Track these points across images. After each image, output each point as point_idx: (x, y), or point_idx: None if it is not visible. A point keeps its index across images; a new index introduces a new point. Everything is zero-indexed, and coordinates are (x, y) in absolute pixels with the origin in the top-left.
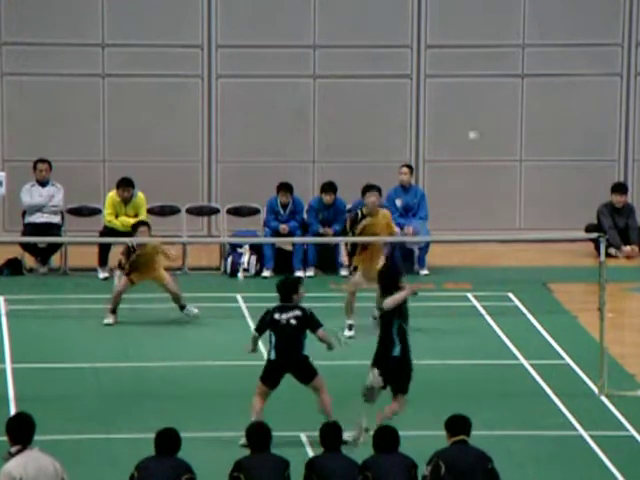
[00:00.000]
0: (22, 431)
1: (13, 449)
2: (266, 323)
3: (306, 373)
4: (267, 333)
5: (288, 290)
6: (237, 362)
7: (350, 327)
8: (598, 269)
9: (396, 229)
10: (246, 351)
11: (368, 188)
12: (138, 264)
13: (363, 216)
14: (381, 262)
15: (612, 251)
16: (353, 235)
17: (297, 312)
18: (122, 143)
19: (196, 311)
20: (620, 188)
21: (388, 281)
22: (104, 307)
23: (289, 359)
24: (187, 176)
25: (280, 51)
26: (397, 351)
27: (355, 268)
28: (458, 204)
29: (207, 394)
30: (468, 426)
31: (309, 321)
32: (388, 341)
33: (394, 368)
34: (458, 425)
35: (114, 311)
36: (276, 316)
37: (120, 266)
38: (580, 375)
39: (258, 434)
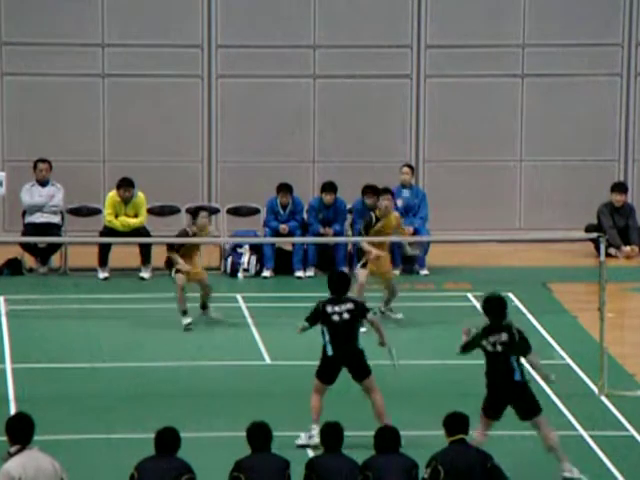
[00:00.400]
0: (21, 431)
1: (12, 449)
2: (319, 315)
3: (361, 369)
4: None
5: (340, 284)
6: (237, 362)
7: None
8: (598, 269)
9: (406, 230)
10: (298, 331)
11: (382, 192)
12: (185, 255)
13: (377, 219)
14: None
15: (612, 251)
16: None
17: (349, 305)
18: (122, 143)
19: (221, 317)
20: (620, 188)
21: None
22: (104, 307)
23: (346, 353)
24: (187, 176)
25: (280, 51)
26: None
27: (365, 264)
28: (458, 204)
29: (207, 394)
30: (466, 424)
31: (362, 312)
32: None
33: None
34: (456, 424)
35: (185, 312)
36: (328, 309)
37: (168, 265)
38: (580, 375)
39: (258, 434)
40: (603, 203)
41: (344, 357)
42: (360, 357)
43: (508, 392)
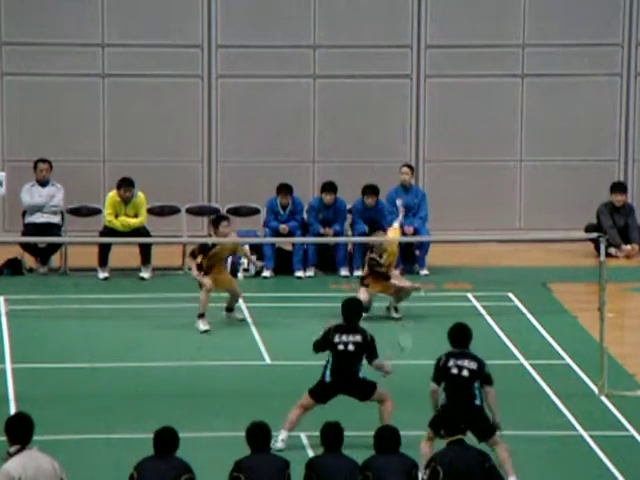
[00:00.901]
0: (21, 431)
1: (12, 449)
2: (326, 343)
3: (363, 392)
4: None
5: (352, 312)
6: (237, 362)
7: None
8: (598, 269)
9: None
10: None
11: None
12: (214, 263)
13: (380, 256)
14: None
15: (612, 251)
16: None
17: (357, 337)
18: (122, 143)
19: (241, 317)
20: (619, 187)
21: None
22: (104, 307)
23: (344, 382)
24: (187, 176)
25: (280, 51)
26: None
27: (365, 284)
28: (458, 204)
29: (207, 394)
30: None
31: (368, 349)
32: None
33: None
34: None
35: (203, 315)
36: (336, 338)
37: (198, 267)
38: (580, 375)
39: (258, 434)
40: (603, 203)
41: (342, 385)
42: (360, 384)
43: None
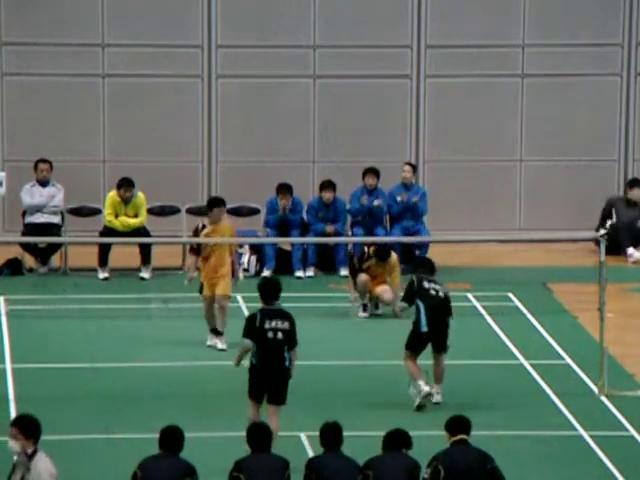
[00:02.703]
0: (38, 431)
1: (29, 450)
2: (415, 292)
3: (444, 344)
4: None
5: (430, 263)
6: None
7: (364, 307)
8: (598, 269)
9: (398, 280)
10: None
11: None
12: (209, 254)
13: (369, 256)
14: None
15: (630, 251)
16: (361, 270)
17: (439, 286)
18: (122, 143)
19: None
20: (638, 183)
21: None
22: (104, 307)
23: (437, 332)
24: (187, 176)
25: (280, 51)
26: None
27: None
28: (458, 204)
29: (207, 394)
30: (468, 426)
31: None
32: None
33: None
34: (458, 425)
35: (214, 330)
36: (425, 284)
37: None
38: (580, 375)
39: (258, 434)
40: (616, 196)
41: (435, 335)
42: (447, 332)
43: None
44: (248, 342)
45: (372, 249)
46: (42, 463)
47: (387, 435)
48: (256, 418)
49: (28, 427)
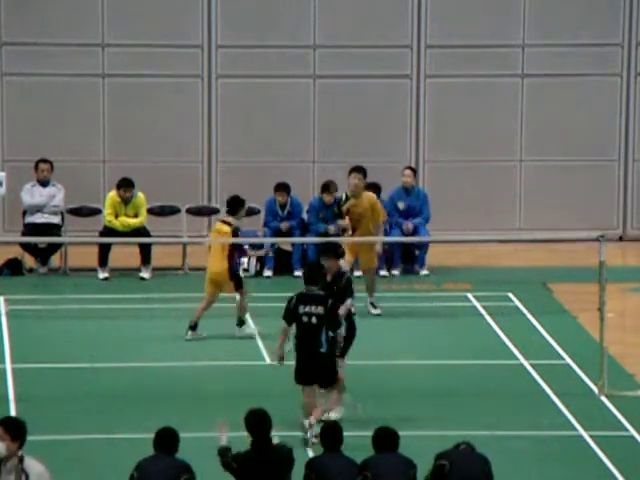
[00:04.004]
0: (25, 434)
1: (20, 452)
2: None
3: None
4: None
5: None
6: (237, 362)
7: None
8: (598, 269)
9: (384, 212)
10: None
11: (352, 170)
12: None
13: (347, 198)
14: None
15: None
16: (341, 216)
17: None
18: (122, 143)
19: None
20: None
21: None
22: (104, 307)
23: None
24: (187, 176)
25: (280, 51)
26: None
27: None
28: (458, 204)
29: (207, 394)
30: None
31: None
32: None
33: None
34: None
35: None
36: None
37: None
38: (580, 375)
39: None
40: None
41: None
42: None
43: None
44: (282, 323)
45: (350, 190)
46: (37, 465)
47: (378, 435)
48: (310, 402)
49: (15, 428)
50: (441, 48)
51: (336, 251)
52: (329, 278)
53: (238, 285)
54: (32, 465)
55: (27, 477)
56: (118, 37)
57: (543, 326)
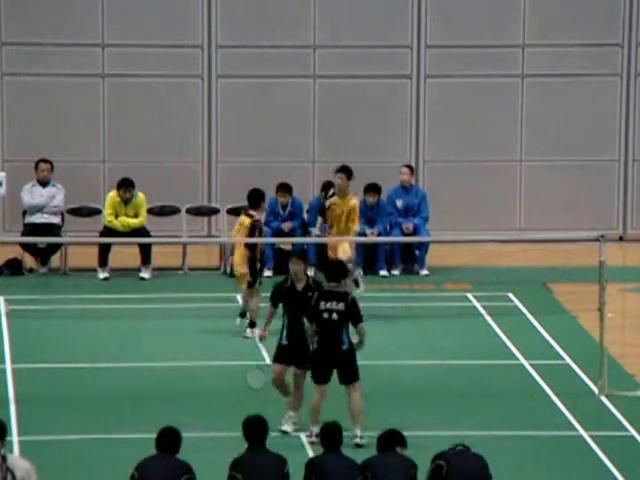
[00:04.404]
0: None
1: (2, 451)
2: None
3: None
4: None
5: None
6: (237, 362)
7: None
8: (598, 269)
9: (358, 223)
10: None
11: (337, 170)
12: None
13: (333, 194)
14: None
15: None
16: (322, 212)
17: None
18: (122, 143)
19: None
20: None
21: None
22: (104, 307)
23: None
24: (187, 176)
25: (280, 51)
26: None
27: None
28: (458, 204)
29: (207, 394)
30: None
31: None
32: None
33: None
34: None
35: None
36: None
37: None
38: (580, 375)
39: (255, 428)
40: None
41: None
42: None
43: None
44: (306, 321)
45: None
46: (22, 462)
47: (381, 435)
48: (319, 405)
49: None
50: (441, 48)
51: (304, 257)
52: (299, 287)
53: (252, 280)
54: (17, 462)
55: (13, 475)
56: (118, 37)
57: (543, 326)
